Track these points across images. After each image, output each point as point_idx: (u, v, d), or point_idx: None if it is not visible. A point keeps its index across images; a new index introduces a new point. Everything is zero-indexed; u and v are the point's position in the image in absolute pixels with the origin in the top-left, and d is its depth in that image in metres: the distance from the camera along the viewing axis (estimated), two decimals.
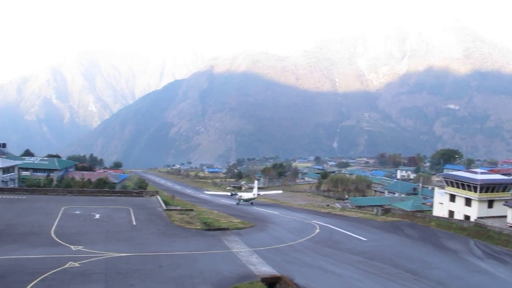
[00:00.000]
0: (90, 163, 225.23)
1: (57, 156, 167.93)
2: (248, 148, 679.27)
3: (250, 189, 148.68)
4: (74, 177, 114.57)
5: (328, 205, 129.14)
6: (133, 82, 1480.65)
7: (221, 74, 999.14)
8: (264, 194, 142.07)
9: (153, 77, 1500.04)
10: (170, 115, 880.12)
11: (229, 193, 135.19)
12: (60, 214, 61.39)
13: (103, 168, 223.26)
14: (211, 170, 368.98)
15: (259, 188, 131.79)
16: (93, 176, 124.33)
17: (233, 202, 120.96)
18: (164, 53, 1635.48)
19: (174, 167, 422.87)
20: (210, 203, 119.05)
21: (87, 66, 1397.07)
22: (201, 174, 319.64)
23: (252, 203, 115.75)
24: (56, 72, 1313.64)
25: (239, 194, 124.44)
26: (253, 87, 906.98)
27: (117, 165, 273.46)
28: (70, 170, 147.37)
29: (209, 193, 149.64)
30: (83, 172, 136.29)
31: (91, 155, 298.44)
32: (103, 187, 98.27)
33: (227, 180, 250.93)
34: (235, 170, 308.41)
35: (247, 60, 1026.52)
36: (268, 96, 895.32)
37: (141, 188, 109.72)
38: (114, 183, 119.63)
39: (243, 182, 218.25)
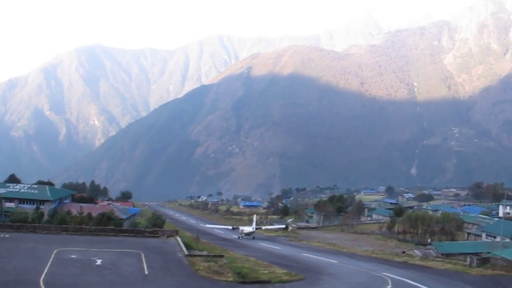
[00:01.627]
0: (91, 193, 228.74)
1: (50, 184, 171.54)
2: (296, 175, 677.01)
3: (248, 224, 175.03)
4: (70, 211, 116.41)
5: (404, 252, 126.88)
6: (147, 88, 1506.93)
7: (261, 77, 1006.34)
8: (266, 228, 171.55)
9: (172, 81, 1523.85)
10: (195, 131, 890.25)
11: (230, 227, 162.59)
12: (51, 259, 62.18)
13: (108, 200, 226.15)
14: (247, 203, 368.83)
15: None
16: (95, 209, 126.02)
17: (236, 236, 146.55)
18: (187, 50, 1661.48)
19: (200, 199, 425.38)
20: (247, 247, 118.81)
21: (88, 68, 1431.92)
22: (234, 209, 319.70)
23: (253, 237, 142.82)
24: (49, 75, 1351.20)
25: (241, 228, 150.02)
26: (303, 95, 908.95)
27: (125, 196, 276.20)
28: (65, 201, 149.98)
29: (210, 226, 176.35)
30: (81, 204, 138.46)
31: (93, 182, 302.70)
32: (107, 224, 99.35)
33: (269, 217, 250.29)
34: (279, 204, 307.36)
35: (295, 59, 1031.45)
36: (324, 107, 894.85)
37: (156, 226, 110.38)
38: (121, 219, 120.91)
39: (289, 220, 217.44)
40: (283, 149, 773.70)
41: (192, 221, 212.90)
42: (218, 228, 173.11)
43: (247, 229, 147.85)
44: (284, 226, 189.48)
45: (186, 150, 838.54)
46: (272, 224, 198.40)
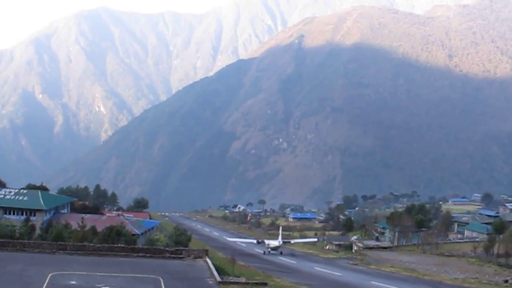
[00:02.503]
0: (96, 201, 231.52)
1: (43, 188, 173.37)
2: (363, 178, 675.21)
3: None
4: (69, 224, 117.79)
5: (507, 282, 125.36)
6: (168, 64, 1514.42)
7: (316, 49, 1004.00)
8: (295, 242, 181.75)
9: (201, 55, 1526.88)
10: (230, 121, 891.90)
11: (254, 241, 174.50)
12: (45, 285, 62.99)
13: (117, 210, 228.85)
14: (299, 215, 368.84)
15: None
16: (100, 222, 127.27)
17: (261, 251, 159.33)
18: (219, 15, 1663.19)
19: (236, 210, 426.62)
20: (298, 272, 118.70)
21: (91, 38, 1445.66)
22: (282, 222, 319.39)
23: (281, 252, 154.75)
24: (41, 48, 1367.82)
25: (267, 241, 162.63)
26: (372, 72, 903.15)
27: (140, 205, 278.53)
28: (62, 211, 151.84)
29: (231, 240, 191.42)
30: (83, 215, 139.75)
31: (98, 186, 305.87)
32: (116, 242, 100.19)
33: (327, 232, 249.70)
34: (341, 217, 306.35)
35: (361, 24, 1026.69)
36: (399, 87, 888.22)
37: (179, 244, 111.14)
38: (134, 234, 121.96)
39: (354, 237, 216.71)
40: (345, 144, 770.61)
41: (227, 238, 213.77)
42: (241, 242, 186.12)
43: (274, 243, 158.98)
44: (316, 239, 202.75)
45: (219, 145, 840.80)
46: (331, 243, 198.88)
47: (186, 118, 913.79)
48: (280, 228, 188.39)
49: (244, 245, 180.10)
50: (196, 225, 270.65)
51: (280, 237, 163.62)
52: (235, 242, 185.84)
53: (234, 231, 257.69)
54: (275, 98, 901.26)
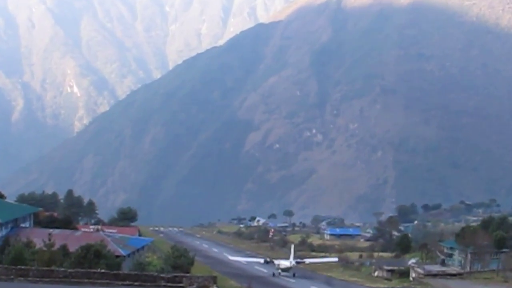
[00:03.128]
0: (68, 211, 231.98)
1: None
2: (424, 182, 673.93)
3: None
4: (32, 242, 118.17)
5: None
6: (163, 31, 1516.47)
7: (361, 9, 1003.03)
8: (310, 262, 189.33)
9: (207, 18, 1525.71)
10: (246, 105, 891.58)
11: (262, 260, 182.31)
12: None
13: (96, 223, 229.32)
14: (338, 231, 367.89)
15: None
16: (74, 239, 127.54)
17: (269, 271, 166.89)
18: None
19: (254, 224, 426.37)
20: None
21: None
22: (315, 240, 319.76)
23: (294, 274, 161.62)
24: None
25: (277, 262, 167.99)
26: (435, 41, 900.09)
27: (126, 217, 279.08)
28: (23, 225, 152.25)
29: (234, 259, 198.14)
30: (51, 230, 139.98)
31: (70, 192, 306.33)
32: (94, 265, 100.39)
33: (376, 254, 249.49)
34: (394, 233, 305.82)
35: None
36: (473, 61, 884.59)
37: (178, 268, 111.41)
38: (119, 256, 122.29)
39: (412, 261, 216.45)
40: (400, 136, 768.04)
41: (228, 257, 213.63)
42: (246, 261, 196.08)
43: (285, 263, 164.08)
44: (336, 259, 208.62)
45: (231, 138, 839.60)
46: (381, 269, 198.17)
47: (187, 102, 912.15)
48: (292, 245, 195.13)
49: (265, 270, 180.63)
50: (200, 243, 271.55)
51: (292, 256, 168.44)
52: (237, 261, 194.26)
53: (252, 251, 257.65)
54: (306, 75, 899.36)
